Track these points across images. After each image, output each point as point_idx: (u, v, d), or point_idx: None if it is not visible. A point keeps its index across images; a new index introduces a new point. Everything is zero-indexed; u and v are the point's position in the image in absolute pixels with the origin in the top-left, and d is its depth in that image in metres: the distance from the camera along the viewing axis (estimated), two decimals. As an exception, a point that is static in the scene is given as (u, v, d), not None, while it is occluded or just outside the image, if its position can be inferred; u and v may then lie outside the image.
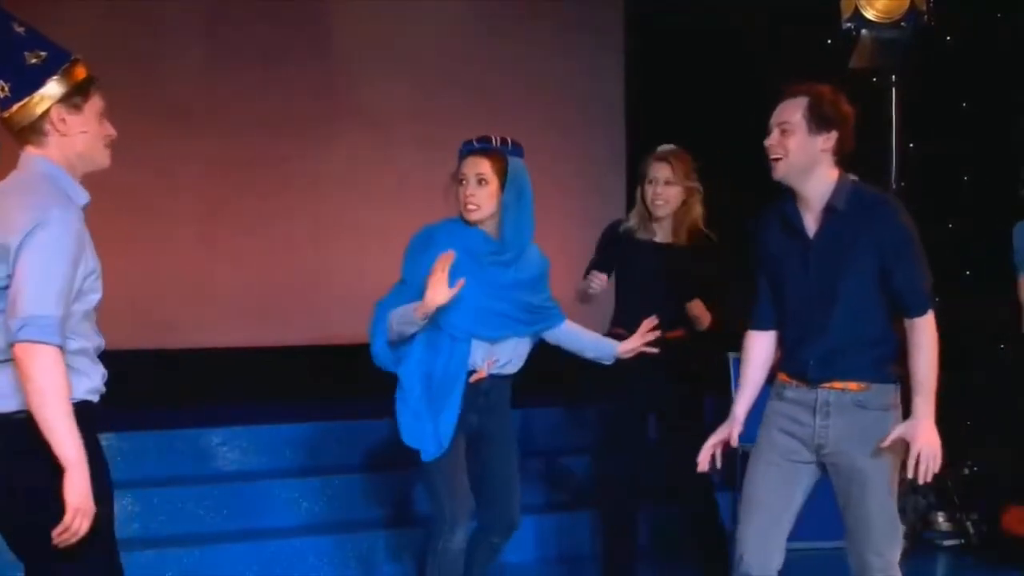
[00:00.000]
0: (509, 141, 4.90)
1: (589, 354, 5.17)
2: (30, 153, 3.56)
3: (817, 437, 4.25)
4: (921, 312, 4.18)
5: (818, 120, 4.20)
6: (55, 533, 3.36)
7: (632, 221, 5.62)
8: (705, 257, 5.56)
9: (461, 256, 4.69)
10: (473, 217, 4.85)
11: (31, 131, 3.53)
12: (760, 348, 4.46)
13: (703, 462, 4.43)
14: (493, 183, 4.83)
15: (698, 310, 5.59)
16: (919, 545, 6.81)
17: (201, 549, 5.97)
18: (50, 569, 3.49)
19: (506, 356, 4.95)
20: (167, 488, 6.21)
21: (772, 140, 4.26)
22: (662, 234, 5.60)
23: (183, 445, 6.53)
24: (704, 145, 5.79)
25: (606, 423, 5.79)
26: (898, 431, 4.14)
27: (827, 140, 4.21)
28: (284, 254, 8.29)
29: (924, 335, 4.18)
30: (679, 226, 5.56)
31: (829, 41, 7.45)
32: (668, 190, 5.51)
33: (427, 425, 4.80)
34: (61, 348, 3.38)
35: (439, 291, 4.61)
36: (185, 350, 7.97)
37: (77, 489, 3.36)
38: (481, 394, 4.91)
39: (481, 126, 5.18)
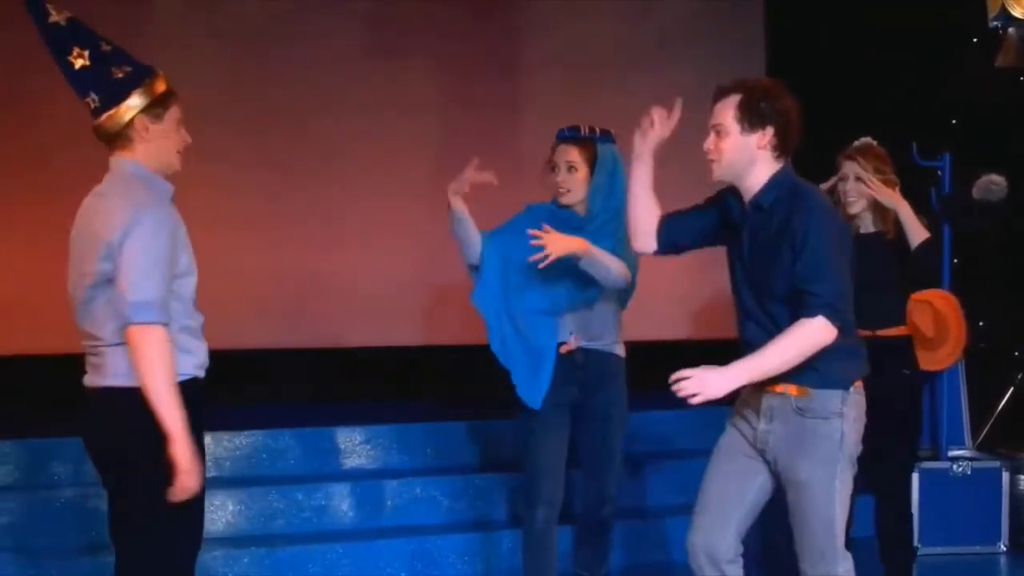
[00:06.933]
0: (597, 129, 5.17)
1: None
2: (119, 157, 3.97)
3: (759, 441, 4.13)
4: (810, 314, 3.93)
5: (751, 117, 4.07)
6: (172, 492, 3.77)
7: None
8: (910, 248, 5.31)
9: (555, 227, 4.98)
10: (564, 201, 5.17)
11: (119, 138, 3.95)
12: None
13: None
14: (583, 170, 5.15)
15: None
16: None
17: (344, 545, 6.06)
18: (145, 522, 3.88)
19: (596, 328, 5.13)
20: (310, 485, 6.33)
21: (708, 143, 4.14)
22: (865, 228, 5.43)
23: (326, 443, 6.65)
24: (845, 145, 5.72)
25: None
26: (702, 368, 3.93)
27: (763, 137, 4.07)
28: (417, 256, 8.26)
29: (796, 334, 3.93)
30: (883, 220, 5.36)
31: (975, 40, 7.35)
32: (858, 187, 5.36)
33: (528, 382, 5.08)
34: (167, 327, 3.78)
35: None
36: (325, 349, 8.09)
37: (187, 454, 3.77)
38: (577, 367, 5.11)
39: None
